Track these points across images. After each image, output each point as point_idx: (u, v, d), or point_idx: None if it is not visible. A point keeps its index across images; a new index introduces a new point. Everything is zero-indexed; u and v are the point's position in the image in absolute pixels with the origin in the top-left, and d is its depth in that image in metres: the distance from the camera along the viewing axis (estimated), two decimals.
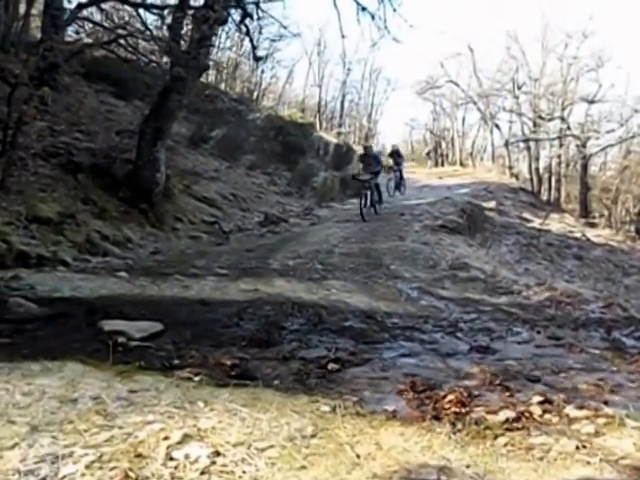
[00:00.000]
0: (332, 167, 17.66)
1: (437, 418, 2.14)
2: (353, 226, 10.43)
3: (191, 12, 9.20)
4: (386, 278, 6.09)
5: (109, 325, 3.22)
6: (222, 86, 20.13)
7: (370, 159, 12.07)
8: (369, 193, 11.41)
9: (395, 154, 16.22)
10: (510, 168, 26.93)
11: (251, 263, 6.64)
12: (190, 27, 9.05)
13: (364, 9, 10.85)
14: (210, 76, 17.20)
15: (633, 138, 23.59)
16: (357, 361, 2.93)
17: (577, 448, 1.89)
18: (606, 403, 2.33)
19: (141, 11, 9.64)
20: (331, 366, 2.78)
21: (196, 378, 2.43)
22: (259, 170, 15.30)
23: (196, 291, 4.72)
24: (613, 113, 23.70)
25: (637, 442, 1.94)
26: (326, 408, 2.16)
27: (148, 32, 9.03)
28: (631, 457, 1.84)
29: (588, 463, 1.80)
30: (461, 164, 29.32)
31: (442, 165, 30.35)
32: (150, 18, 10.13)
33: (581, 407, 2.26)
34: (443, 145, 32.07)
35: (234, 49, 19.66)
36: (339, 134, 26.29)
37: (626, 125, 23.42)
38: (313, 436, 1.90)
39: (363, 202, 11.12)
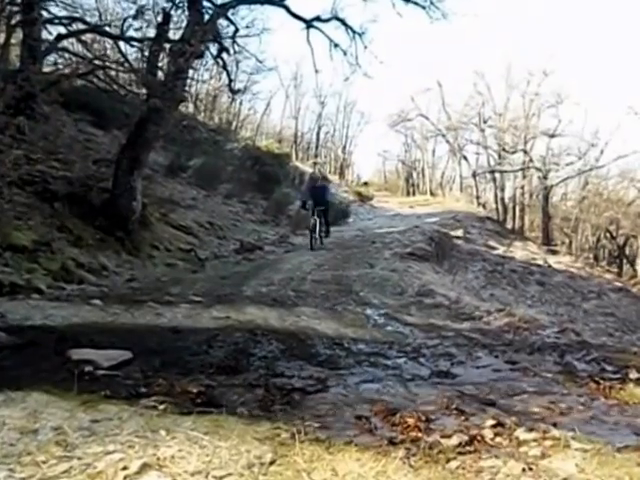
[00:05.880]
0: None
1: (393, 443, 2.14)
2: (326, 253, 10.56)
3: (168, 45, 9.43)
4: (355, 305, 6.18)
5: (77, 354, 3.19)
6: (201, 117, 20.39)
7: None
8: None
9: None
10: (477, 198, 27.86)
11: (225, 290, 6.65)
12: (167, 60, 9.26)
13: (336, 46, 11.26)
14: (189, 107, 17.42)
15: (591, 170, 24.74)
16: (322, 387, 2.94)
17: (523, 470, 1.93)
18: (555, 425, 2.37)
19: (121, 43, 9.85)
20: (296, 393, 2.79)
21: (161, 406, 2.41)
22: (236, 199, 15.45)
23: (168, 319, 4.70)
24: (572, 147, 24.87)
25: (579, 463, 1.99)
26: (286, 435, 2.16)
27: (127, 64, 9.20)
28: (573, 478, 1.90)
29: None
30: (431, 194, 30.23)
31: (414, 194, 31.21)
32: (130, 50, 10.36)
33: (531, 430, 2.29)
34: (414, 175, 32.96)
35: (212, 81, 20.01)
36: (315, 164, 26.71)
37: (584, 158, 24.59)
38: (272, 463, 1.91)
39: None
